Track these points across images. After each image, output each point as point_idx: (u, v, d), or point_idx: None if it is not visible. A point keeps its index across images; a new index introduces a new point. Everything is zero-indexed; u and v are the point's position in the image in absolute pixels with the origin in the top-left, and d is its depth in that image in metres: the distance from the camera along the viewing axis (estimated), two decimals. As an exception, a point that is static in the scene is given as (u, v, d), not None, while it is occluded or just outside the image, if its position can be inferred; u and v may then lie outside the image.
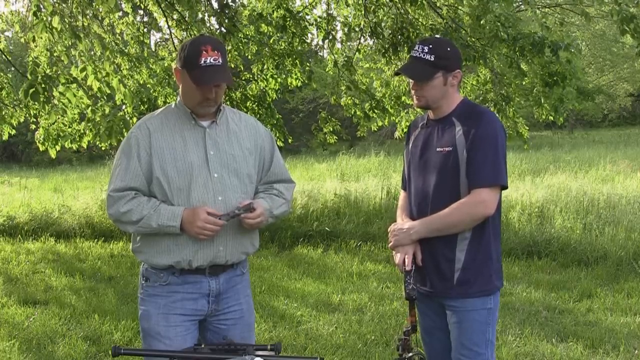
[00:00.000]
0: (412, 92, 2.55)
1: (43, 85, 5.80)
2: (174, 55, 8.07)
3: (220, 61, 2.26)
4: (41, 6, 6.07)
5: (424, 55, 2.46)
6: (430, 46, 2.46)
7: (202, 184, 2.32)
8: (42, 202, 10.79)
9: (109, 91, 6.83)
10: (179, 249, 2.32)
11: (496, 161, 2.39)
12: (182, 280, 2.36)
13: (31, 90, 5.69)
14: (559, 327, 4.83)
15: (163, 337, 2.34)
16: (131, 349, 2.08)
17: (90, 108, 6.82)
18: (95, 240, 8.85)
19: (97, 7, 6.82)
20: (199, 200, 2.31)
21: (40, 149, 7.94)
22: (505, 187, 2.45)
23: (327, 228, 8.40)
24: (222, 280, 2.41)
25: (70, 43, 6.54)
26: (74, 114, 7.21)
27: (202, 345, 2.07)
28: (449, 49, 2.50)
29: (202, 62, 2.22)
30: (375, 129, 9.57)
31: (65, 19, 6.31)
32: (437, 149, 2.48)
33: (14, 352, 4.47)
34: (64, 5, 6.47)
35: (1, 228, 9.50)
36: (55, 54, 6.93)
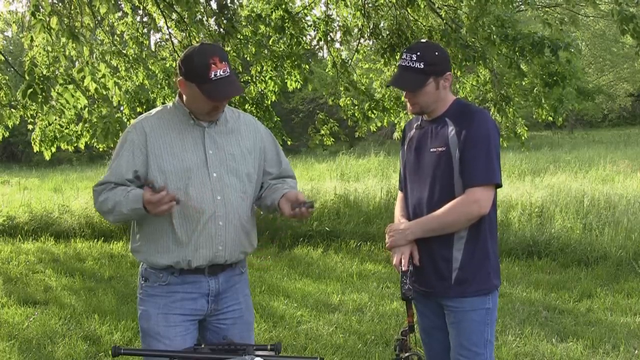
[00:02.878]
0: (406, 100, 2.55)
1: (41, 86, 5.79)
2: (174, 55, 8.06)
3: (229, 71, 2.24)
4: (39, 6, 6.06)
5: (412, 63, 2.44)
6: (418, 53, 2.44)
7: (200, 183, 2.31)
8: (42, 202, 10.79)
9: (104, 92, 6.81)
10: (178, 249, 2.31)
11: (489, 160, 2.39)
12: (182, 280, 2.36)
13: (29, 91, 5.68)
14: (559, 327, 4.83)
15: (162, 337, 2.34)
16: (131, 349, 2.08)
17: (87, 109, 6.81)
18: (95, 240, 8.85)
19: (96, 7, 6.81)
20: (198, 200, 2.30)
21: (35, 150, 7.81)
22: (499, 186, 2.45)
23: (327, 228, 8.40)
24: (222, 279, 2.41)
25: (67, 44, 6.52)
26: (72, 115, 7.19)
27: (202, 345, 2.07)
28: (436, 53, 2.48)
29: (212, 75, 2.19)
30: (375, 130, 9.57)
31: (64, 19, 6.30)
32: (431, 150, 2.48)
33: (14, 352, 4.47)
34: (61, 5, 6.46)
35: (1, 228, 9.50)
36: (52, 55, 6.91)
